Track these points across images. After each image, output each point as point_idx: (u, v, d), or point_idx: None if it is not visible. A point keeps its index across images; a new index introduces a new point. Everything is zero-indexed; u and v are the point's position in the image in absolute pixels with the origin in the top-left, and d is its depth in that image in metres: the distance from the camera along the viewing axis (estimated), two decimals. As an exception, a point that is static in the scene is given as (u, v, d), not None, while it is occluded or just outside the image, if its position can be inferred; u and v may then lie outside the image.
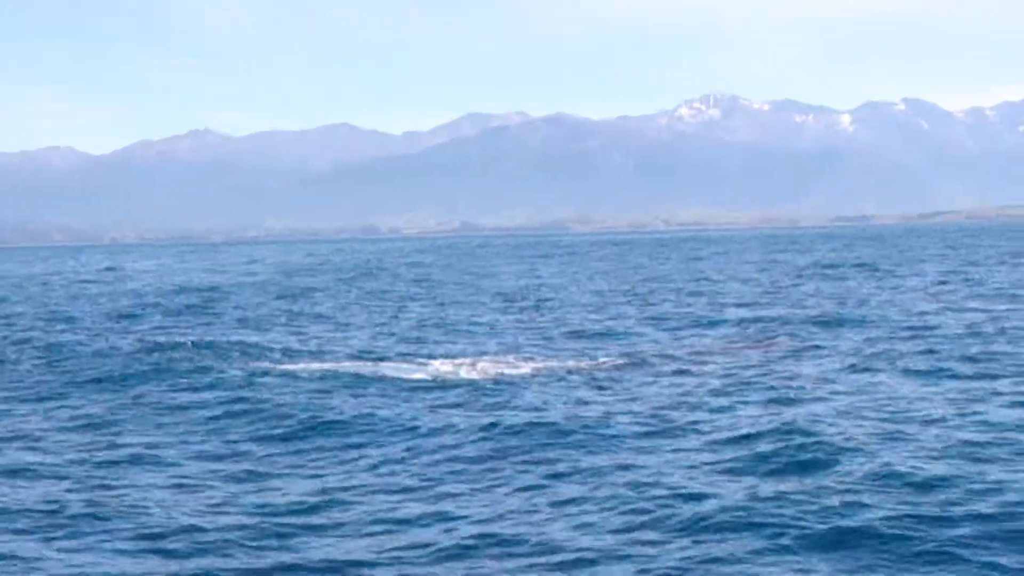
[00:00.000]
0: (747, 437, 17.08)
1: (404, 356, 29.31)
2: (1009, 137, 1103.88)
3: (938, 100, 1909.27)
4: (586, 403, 20.73)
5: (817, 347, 28.39)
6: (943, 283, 51.92)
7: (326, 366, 26.89)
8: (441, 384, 23.64)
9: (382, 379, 24.63)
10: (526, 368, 25.84)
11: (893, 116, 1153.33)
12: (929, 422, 17.87)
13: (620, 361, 26.85)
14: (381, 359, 28.68)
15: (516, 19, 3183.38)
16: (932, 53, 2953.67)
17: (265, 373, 25.68)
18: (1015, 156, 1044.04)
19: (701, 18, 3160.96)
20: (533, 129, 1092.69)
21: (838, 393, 21.14)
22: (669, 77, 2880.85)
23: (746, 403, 20.36)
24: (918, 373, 23.60)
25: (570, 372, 24.80)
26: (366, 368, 26.29)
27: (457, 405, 21.13)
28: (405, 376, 24.96)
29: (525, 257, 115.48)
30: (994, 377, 22.85)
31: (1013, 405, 19.23)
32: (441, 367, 26.33)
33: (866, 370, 24.15)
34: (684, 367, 25.54)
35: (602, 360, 27.06)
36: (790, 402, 20.31)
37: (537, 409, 19.98)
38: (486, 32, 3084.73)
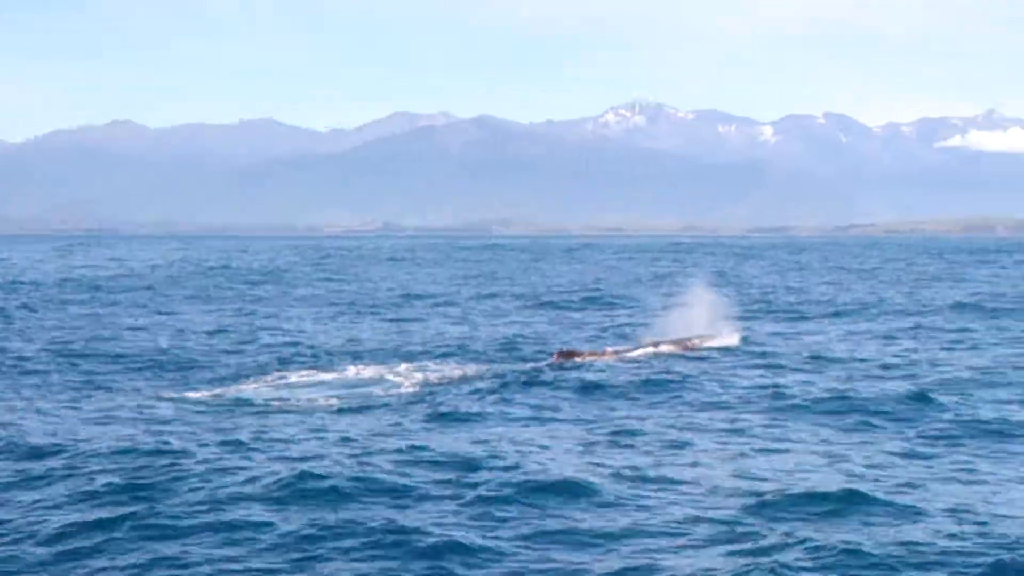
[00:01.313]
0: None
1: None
2: (925, 153, 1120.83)
3: (857, 115, 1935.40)
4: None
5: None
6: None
7: None
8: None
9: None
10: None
11: (814, 129, 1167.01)
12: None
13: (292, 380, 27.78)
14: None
15: (446, 19, 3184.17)
16: (852, 69, 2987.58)
17: None
18: (931, 172, 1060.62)
19: (629, 25, 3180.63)
20: (460, 130, 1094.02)
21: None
22: (596, 83, 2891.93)
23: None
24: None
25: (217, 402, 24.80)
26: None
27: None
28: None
29: (400, 263, 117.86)
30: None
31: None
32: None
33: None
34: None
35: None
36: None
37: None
38: (415, 31, 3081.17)
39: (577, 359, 30.98)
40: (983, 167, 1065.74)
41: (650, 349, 33.03)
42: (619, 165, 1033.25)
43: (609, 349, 33.33)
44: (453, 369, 29.33)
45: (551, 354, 32.27)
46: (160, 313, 49.07)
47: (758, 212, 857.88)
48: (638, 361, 31.17)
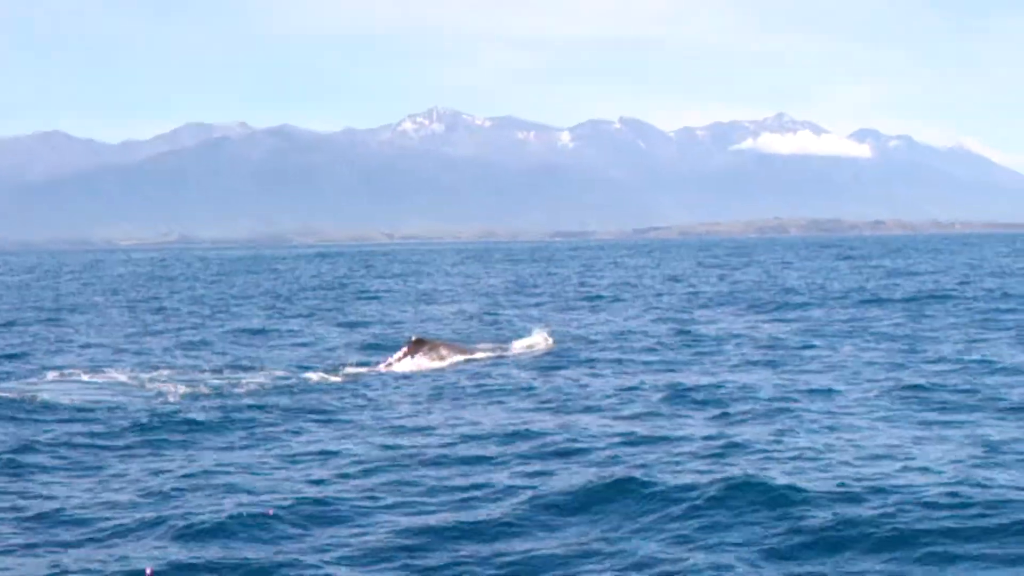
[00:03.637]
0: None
1: None
2: (718, 156, 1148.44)
3: (653, 120, 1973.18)
4: None
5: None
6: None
7: None
8: None
9: None
10: None
11: (611, 134, 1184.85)
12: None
13: None
14: None
15: (240, 29, 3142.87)
16: (647, 74, 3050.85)
17: None
18: (723, 174, 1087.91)
19: (425, 33, 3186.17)
20: (256, 141, 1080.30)
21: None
22: (394, 91, 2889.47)
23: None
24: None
25: None
26: None
27: None
28: None
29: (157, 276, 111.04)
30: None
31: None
32: None
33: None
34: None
35: None
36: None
37: None
38: (208, 41, 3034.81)
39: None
40: (775, 169, 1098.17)
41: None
42: (419, 173, 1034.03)
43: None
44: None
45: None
46: None
47: (558, 217, 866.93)
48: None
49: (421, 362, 28.39)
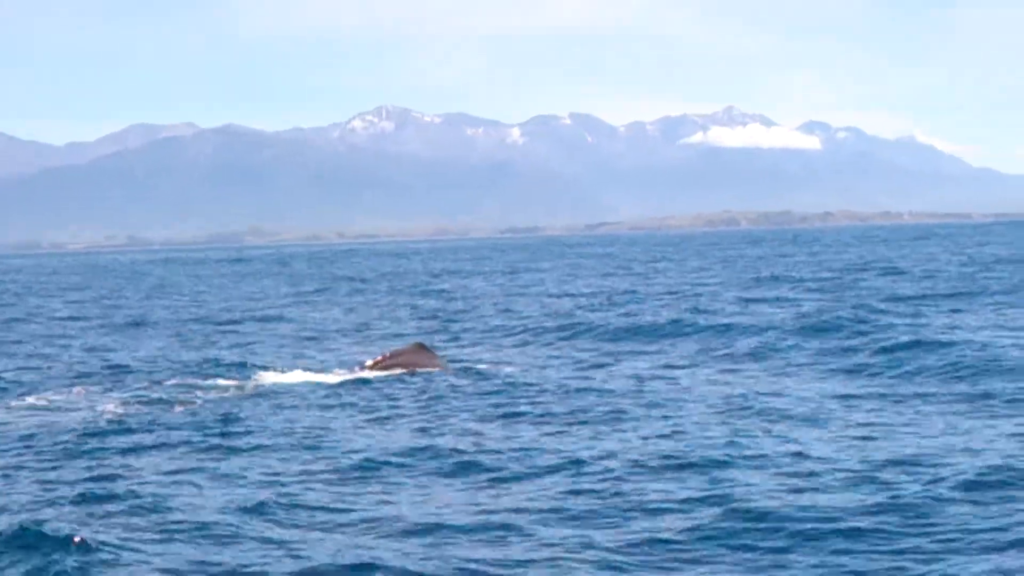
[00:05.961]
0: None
1: None
2: (668, 151, 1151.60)
3: (602, 115, 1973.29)
4: None
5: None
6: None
7: None
8: None
9: None
10: None
11: (560, 130, 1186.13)
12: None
13: None
14: None
15: (186, 28, 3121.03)
16: (596, 69, 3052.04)
17: None
18: (673, 168, 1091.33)
19: (373, 31, 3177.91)
20: (203, 140, 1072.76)
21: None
22: (342, 89, 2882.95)
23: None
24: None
25: None
26: None
27: None
28: None
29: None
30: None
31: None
32: None
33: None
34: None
35: None
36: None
37: None
38: (154, 41, 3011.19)
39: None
40: (724, 162, 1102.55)
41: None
42: (369, 171, 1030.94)
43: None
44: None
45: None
46: None
47: (508, 212, 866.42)
48: None
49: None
